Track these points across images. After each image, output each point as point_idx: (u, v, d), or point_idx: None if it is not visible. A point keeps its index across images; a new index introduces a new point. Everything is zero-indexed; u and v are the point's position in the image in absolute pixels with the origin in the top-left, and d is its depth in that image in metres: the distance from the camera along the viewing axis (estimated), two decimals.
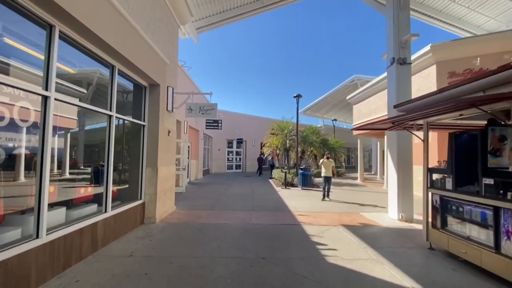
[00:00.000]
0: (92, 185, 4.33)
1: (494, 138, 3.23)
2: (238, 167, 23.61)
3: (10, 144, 2.91)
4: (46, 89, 2.95)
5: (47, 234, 2.94)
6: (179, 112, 8.10)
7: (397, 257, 3.80)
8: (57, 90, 3.35)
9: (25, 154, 3.04)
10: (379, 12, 7.29)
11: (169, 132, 6.26)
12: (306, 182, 11.91)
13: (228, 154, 23.00)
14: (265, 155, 17.96)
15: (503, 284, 2.95)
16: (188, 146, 13.25)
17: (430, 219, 4.19)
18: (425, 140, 4.27)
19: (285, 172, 12.43)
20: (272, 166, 17.55)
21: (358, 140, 16.85)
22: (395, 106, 4.64)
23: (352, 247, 4.21)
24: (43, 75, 2.96)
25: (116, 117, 4.41)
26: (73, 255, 3.31)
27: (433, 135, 8.21)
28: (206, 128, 16.76)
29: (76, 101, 3.94)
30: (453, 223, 3.84)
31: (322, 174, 8.56)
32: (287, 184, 12.27)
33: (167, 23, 6.24)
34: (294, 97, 13.48)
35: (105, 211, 4.16)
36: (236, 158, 23.56)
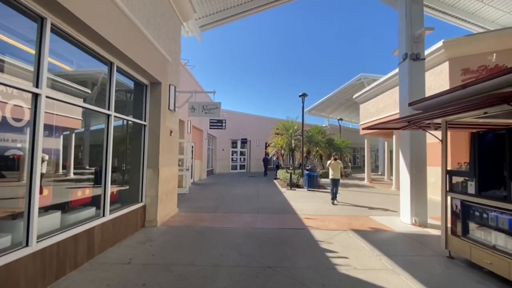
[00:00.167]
0: (90, 187, 4.13)
1: None
2: (242, 167, 23.38)
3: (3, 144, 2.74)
4: (37, 86, 2.75)
5: (37, 242, 2.75)
6: (182, 111, 7.91)
7: (414, 266, 3.52)
8: (59, 90, 3.23)
9: (17, 155, 2.86)
10: (390, 6, 6.96)
11: (171, 132, 6.06)
12: (312, 183, 11.61)
13: (232, 154, 22.78)
14: (270, 155, 17.68)
15: None
16: (192, 146, 13.08)
17: (449, 225, 3.89)
18: (444, 140, 3.97)
19: (291, 173, 12.15)
20: (278, 167, 17.28)
21: (365, 140, 16.46)
22: (410, 104, 4.35)
23: (364, 254, 3.93)
24: (33, 71, 2.76)
25: (115, 116, 4.21)
26: (67, 263, 3.12)
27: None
28: (210, 128, 16.58)
29: (80, 101, 3.77)
30: (476, 231, 3.53)
31: (330, 176, 8.19)
32: (293, 185, 11.99)
33: (169, 20, 6.03)
34: (300, 96, 13.18)
35: (103, 215, 3.97)
36: (240, 158, 23.34)
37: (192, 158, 13.15)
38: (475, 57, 8.23)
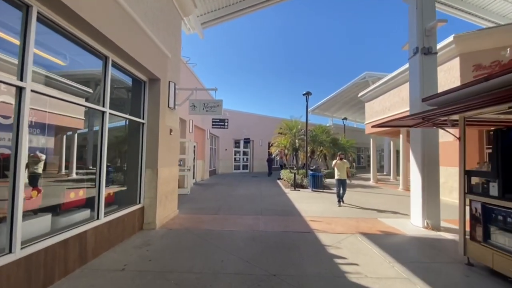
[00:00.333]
0: (84, 188, 3.91)
1: None
2: (245, 167, 23.14)
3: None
4: (21, 79, 2.54)
5: (22, 248, 2.53)
6: (184, 110, 7.69)
7: (430, 275, 3.24)
8: (62, 90, 3.12)
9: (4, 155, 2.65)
10: None
11: (171, 130, 5.83)
12: (317, 183, 11.32)
13: (235, 154, 22.56)
14: (273, 155, 17.40)
15: None
16: (194, 146, 12.87)
17: (467, 230, 3.60)
18: (462, 138, 3.68)
19: (294, 173, 11.87)
20: (282, 167, 17.01)
21: (371, 140, 16.10)
22: (423, 100, 4.06)
23: (376, 261, 3.65)
24: (17, 63, 2.54)
25: (111, 114, 4.00)
26: (56, 270, 2.90)
27: (456, 133, 7.54)
28: (213, 128, 16.38)
29: (82, 101, 3.58)
30: (499, 236, 3.23)
31: (336, 177, 7.86)
32: (297, 185, 11.71)
33: (168, 14, 5.81)
34: (304, 94, 12.88)
35: (97, 218, 3.75)
36: (243, 158, 23.09)
37: (194, 158, 12.94)
38: (487, 52, 7.88)
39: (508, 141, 3.15)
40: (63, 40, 3.17)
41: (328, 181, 13.42)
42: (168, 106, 5.62)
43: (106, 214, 3.94)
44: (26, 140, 2.56)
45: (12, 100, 2.58)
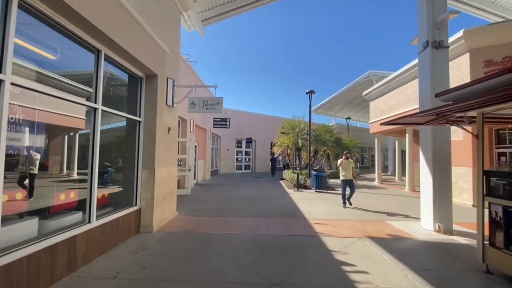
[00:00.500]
0: (76, 190, 3.69)
1: None
2: (247, 167, 22.89)
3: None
4: (0, 71, 2.32)
5: (1, 256, 2.31)
6: (184, 109, 7.46)
7: (448, 284, 2.97)
8: (62, 90, 3.08)
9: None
10: None
11: (169, 129, 5.61)
12: (321, 184, 11.04)
13: (237, 154, 22.31)
14: (276, 155, 17.14)
15: None
16: (195, 146, 12.66)
17: (485, 235, 3.33)
18: (480, 136, 3.40)
19: (298, 173, 11.61)
20: (285, 166, 16.74)
21: (376, 139, 15.76)
22: (437, 95, 3.79)
23: (387, 268, 3.39)
24: None
25: (102, 110, 3.77)
26: (41, 279, 2.68)
27: (465, 132, 7.21)
28: (214, 127, 16.17)
29: (78, 99, 3.36)
30: None
31: (341, 177, 7.57)
32: (300, 186, 11.44)
33: (166, 8, 5.58)
34: (307, 93, 12.62)
35: (89, 221, 3.53)
36: (245, 158, 22.84)
37: (195, 158, 12.73)
38: (498, 47, 7.56)
39: None
40: (48, 30, 2.95)
41: (332, 181, 13.13)
42: (166, 104, 5.39)
43: (99, 217, 3.72)
44: (4, 137, 2.33)
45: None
